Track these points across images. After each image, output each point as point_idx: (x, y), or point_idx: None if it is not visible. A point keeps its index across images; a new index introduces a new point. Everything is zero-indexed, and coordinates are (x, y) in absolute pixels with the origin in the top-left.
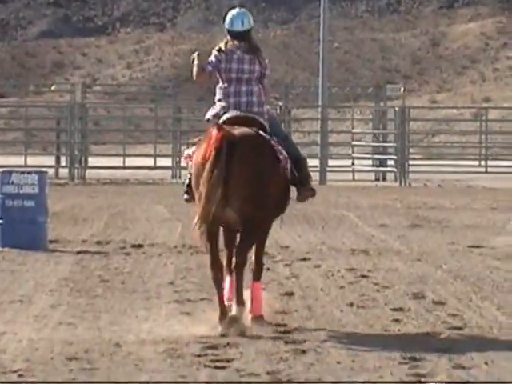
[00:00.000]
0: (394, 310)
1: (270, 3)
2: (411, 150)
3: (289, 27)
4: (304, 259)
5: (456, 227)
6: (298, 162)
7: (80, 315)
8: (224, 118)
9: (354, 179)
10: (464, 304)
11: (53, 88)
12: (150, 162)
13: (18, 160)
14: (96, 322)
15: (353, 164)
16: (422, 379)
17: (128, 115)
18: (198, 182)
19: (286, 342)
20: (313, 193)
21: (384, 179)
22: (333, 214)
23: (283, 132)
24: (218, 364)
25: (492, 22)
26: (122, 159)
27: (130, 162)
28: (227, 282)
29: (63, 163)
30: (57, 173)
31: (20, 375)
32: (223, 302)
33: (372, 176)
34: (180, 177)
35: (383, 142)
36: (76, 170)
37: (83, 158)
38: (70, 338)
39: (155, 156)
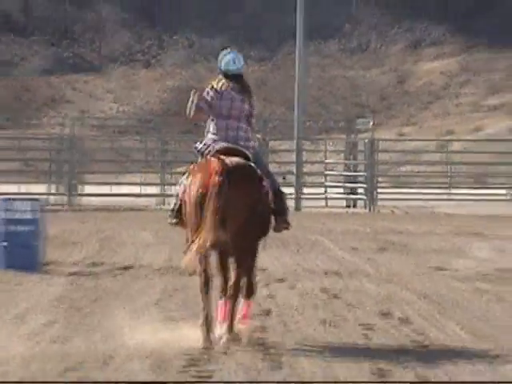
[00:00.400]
0: (364, 327)
1: (248, 42)
2: (380, 179)
3: (266, 64)
4: (281, 280)
5: (421, 251)
6: (277, 195)
7: (70, 334)
8: (214, 149)
9: (326, 206)
10: (428, 322)
11: (46, 121)
12: (137, 189)
13: (13, 188)
14: (88, 337)
15: (326, 192)
16: None
17: (116, 146)
18: (197, 209)
19: (263, 357)
20: (287, 225)
21: (354, 206)
22: (307, 239)
23: (266, 167)
24: (200, 379)
25: (455, 61)
26: (110, 187)
27: (118, 189)
28: (220, 304)
29: (56, 191)
30: (50, 200)
31: None
32: (209, 313)
33: (343, 203)
34: (164, 204)
35: (354, 171)
36: (68, 198)
37: (75, 186)
38: (62, 355)
39: (142, 184)
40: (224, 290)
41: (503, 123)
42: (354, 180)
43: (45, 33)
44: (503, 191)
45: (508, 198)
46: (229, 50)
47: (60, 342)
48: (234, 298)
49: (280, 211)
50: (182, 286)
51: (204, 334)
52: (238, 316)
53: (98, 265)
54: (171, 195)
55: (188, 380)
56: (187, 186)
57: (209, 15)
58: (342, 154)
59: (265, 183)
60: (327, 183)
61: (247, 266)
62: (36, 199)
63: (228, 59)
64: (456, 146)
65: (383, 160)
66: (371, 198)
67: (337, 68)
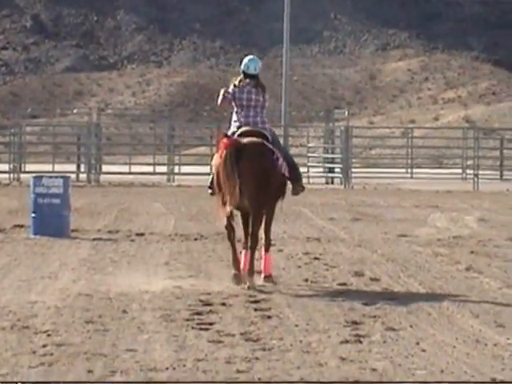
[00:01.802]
0: (340, 284)
1: (244, 45)
2: (353, 161)
3: None
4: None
5: (388, 220)
6: (292, 165)
7: (95, 288)
8: (238, 132)
9: (308, 183)
10: (394, 280)
11: (74, 111)
12: (149, 169)
13: (47, 167)
14: (107, 293)
15: (308, 171)
16: (361, 339)
17: (132, 132)
18: (218, 180)
19: (255, 310)
20: (303, 188)
21: (332, 183)
22: (292, 210)
23: (280, 143)
24: (202, 326)
25: (416, 61)
26: (128, 167)
27: (134, 169)
28: (243, 255)
29: (82, 170)
30: (77, 177)
31: (48, 335)
32: (236, 256)
33: (323, 180)
34: (174, 180)
35: (332, 153)
36: (92, 175)
37: (98, 166)
38: (88, 306)
39: (154, 164)
40: (245, 244)
41: (457, 113)
42: (331, 161)
43: (73, 37)
44: (457, 170)
45: (463, 176)
46: (250, 56)
47: (85, 296)
48: (252, 248)
49: (295, 178)
50: (186, 250)
51: (233, 272)
52: (261, 268)
53: (116, 231)
54: (178, 173)
55: (192, 328)
56: (214, 163)
57: (210, 22)
58: (322, 139)
59: (276, 156)
60: (309, 164)
61: (266, 223)
62: (66, 176)
63: (250, 64)
64: (417, 132)
65: (356, 144)
66: (346, 176)
67: (317, 67)
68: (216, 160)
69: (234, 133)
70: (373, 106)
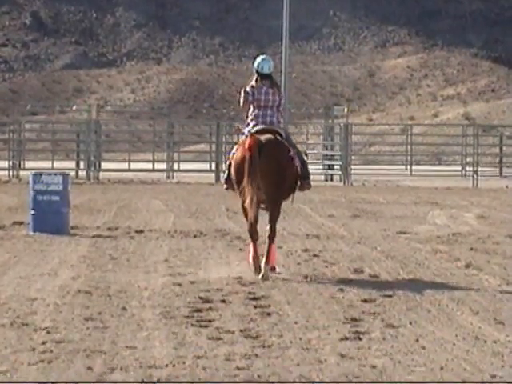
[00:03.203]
0: (339, 281)
1: (243, 42)
2: (353, 157)
3: None
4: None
5: (387, 217)
6: (303, 163)
7: (94, 285)
8: (255, 129)
9: None
10: (393, 277)
11: (74, 108)
12: (149, 166)
13: (46, 164)
14: (107, 290)
15: None
16: (361, 336)
17: (132, 129)
18: (238, 175)
19: (255, 307)
20: (309, 186)
21: (331, 180)
22: (291, 207)
23: (293, 141)
24: (202, 323)
25: (416, 58)
26: (127, 164)
27: (133, 166)
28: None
29: (81, 167)
30: (77, 174)
31: (48, 332)
32: (256, 250)
33: (322, 177)
34: (173, 177)
35: (331, 150)
36: (91, 172)
37: (97, 163)
38: (87, 303)
39: (153, 161)
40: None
41: (456, 110)
42: (331, 158)
43: (72, 34)
44: (457, 167)
45: (462, 173)
46: (262, 56)
47: (84, 293)
48: (271, 238)
49: (304, 176)
50: (185, 247)
51: (253, 264)
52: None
53: (116, 228)
54: (177, 170)
55: (191, 325)
56: (233, 158)
57: (209, 20)
58: (321, 136)
59: (291, 153)
60: (308, 160)
61: (275, 216)
62: (66, 173)
63: (264, 64)
64: (416, 129)
65: (356, 141)
66: (345, 173)
67: (317, 64)
68: (237, 157)
69: (250, 131)
70: (372, 102)
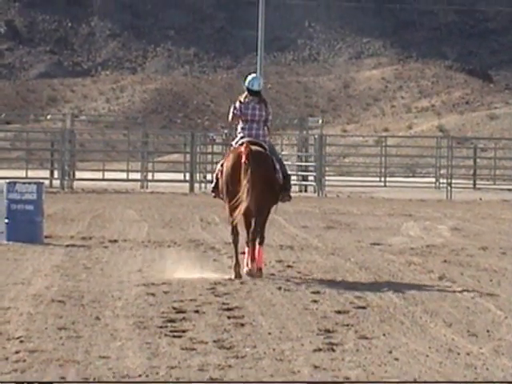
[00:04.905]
0: (313, 292)
1: (218, 53)
2: (327, 169)
3: (232, 72)
4: (243, 253)
5: (361, 229)
6: (285, 176)
7: (68, 294)
8: (241, 141)
9: None
10: (367, 289)
11: (48, 117)
12: (123, 175)
13: (20, 173)
14: (80, 300)
15: None
16: (334, 347)
17: (106, 139)
18: (227, 183)
19: (229, 317)
20: (289, 198)
21: (306, 191)
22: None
23: (277, 155)
24: (175, 334)
25: (390, 70)
26: (101, 173)
27: (107, 175)
28: (246, 250)
29: (56, 176)
30: (51, 183)
31: (21, 341)
32: (238, 256)
33: (296, 188)
34: (147, 187)
35: (305, 161)
36: (66, 182)
37: (71, 172)
38: (60, 313)
39: (127, 171)
40: (247, 240)
41: (431, 122)
42: (305, 169)
43: (47, 43)
44: (431, 179)
45: (436, 185)
46: (253, 74)
47: (57, 302)
48: (253, 242)
49: (286, 188)
50: (159, 257)
51: (236, 270)
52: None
53: (89, 238)
54: (151, 180)
55: (165, 335)
56: (223, 167)
57: (185, 30)
58: (296, 147)
59: (277, 166)
60: None
61: (262, 223)
62: (40, 183)
63: (253, 81)
64: (391, 141)
65: (330, 152)
66: (320, 184)
67: (292, 75)
68: (226, 166)
69: (237, 142)
70: (346, 114)
